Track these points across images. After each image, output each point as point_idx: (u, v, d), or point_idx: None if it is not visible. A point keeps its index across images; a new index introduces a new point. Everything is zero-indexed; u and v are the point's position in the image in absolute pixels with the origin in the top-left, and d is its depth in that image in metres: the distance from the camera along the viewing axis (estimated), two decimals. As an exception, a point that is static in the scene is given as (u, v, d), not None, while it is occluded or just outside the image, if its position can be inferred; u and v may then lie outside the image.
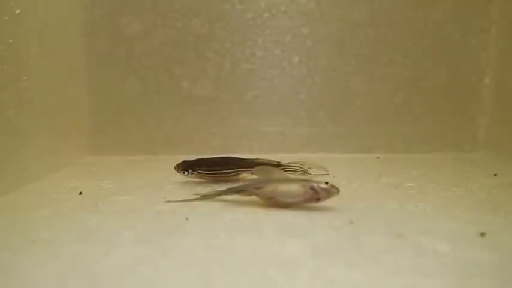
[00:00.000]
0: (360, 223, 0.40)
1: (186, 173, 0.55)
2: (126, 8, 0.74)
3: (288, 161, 0.58)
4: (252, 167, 0.54)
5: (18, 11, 0.53)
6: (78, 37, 0.73)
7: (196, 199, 0.48)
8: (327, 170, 0.59)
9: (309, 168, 0.58)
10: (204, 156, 0.59)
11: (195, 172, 0.55)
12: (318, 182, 0.43)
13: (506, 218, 0.42)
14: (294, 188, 0.44)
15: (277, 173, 0.50)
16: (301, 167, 0.57)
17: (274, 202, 0.45)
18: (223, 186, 0.52)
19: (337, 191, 0.43)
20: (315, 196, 0.43)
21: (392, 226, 0.39)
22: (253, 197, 0.46)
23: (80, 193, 0.51)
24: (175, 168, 0.55)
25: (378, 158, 0.74)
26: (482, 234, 0.37)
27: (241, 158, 0.57)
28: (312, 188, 0.43)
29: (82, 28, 0.73)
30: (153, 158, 0.76)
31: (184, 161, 0.56)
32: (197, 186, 0.55)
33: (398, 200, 0.48)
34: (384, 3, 0.74)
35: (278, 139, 0.78)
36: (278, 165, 0.56)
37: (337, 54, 0.75)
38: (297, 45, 0.75)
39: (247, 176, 0.57)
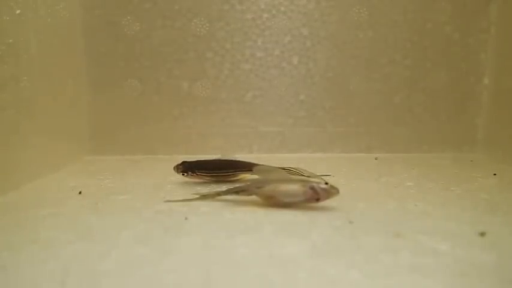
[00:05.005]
0: (359, 223, 0.40)
1: (185, 174, 0.55)
2: (126, 8, 0.74)
3: (287, 166, 0.57)
4: (252, 170, 0.54)
5: (18, 11, 0.53)
6: (78, 37, 0.73)
7: (195, 199, 0.48)
8: (324, 179, 0.57)
9: (308, 176, 0.58)
10: (204, 157, 0.59)
11: (194, 174, 0.55)
12: (317, 182, 0.43)
13: (506, 217, 0.42)
14: (294, 187, 0.44)
15: (277, 173, 0.50)
16: (301, 172, 0.57)
17: (274, 202, 0.45)
18: (223, 186, 0.52)
19: (337, 191, 0.43)
20: (314, 196, 0.43)
21: (391, 226, 0.39)
22: (253, 197, 0.46)
23: (80, 193, 0.52)
24: (174, 168, 0.55)
25: (376, 159, 0.74)
26: (482, 234, 0.37)
27: (240, 161, 0.57)
28: (312, 188, 0.43)
29: (82, 28, 0.73)
30: (153, 158, 0.76)
31: (183, 162, 0.56)
32: (197, 186, 0.55)
33: (398, 199, 0.48)
34: (383, 4, 0.74)
35: (278, 139, 0.78)
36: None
37: (337, 55, 0.75)
38: (297, 46, 0.75)
39: (246, 175, 0.57)
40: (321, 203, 0.44)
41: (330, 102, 0.77)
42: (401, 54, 0.75)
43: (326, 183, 0.43)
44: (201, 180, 0.56)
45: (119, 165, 0.70)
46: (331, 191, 0.43)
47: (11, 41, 0.52)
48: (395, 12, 0.74)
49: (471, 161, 0.72)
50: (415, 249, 0.34)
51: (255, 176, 0.51)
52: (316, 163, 0.70)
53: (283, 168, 0.55)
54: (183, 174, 0.55)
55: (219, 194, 0.48)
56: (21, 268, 0.31)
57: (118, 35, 0.74)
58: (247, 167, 0.55)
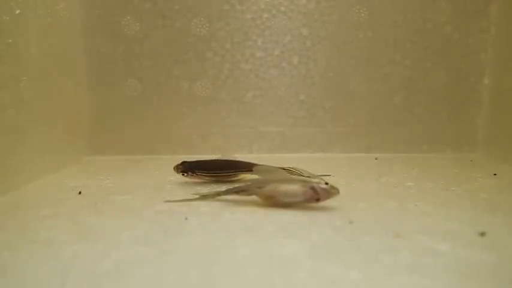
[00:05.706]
0: (359, 223, 0.40)
1: (185, 174, 0.55)
2: (126, 8, 0.74)
3: (287, 166, 0.57)
4: (252, 170, 0.53)
5: (18, 11, 0.53)
6: (78, 37, 0.73)
7: (195, 199, 0.48)
8: (324, 179, 0.57)
9: (308, 176, 0.57)
10: (204, 157, 0.59)
11: (194, 174, 0.55)
12: (317, 182, 0.43)
13: (506, 217, 0.42)
14: (294, 187, 0.44)
15: (277, 173, 0.50)
16: (301, 172, 0.57)
17: (274, 202, 0.45)
18: (223, 186, 0.52)
19: (337, 191, 0.43)
20: (314, 196, 0.43)
21: (391, 226, 0.39)
22: (253, 197, 0.46)
23: (80, 193, 0.51)
24: (174, 168, 0.55)
25: (376, 159, 0.74)
26: (482, 234, 0.37)
27: (240, 161, 0.57)
28: (312, 188, 0.43)
29: (82, 28, 0.73)
30: (153, 158, 0.76)
31: (183, 162, 0.56)
32: (197, 186, 0.55)
33: (398, 199, 0.48)
34: (383, 4, 0.74)
35: (278, 139, 0.78)
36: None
37: (337, 55, 0.75)
38: (297, 46, 0.75)
39: (246, 175, 0.57)
40: (321, 203, 0.44)
41: (330, 102, 0.77)
42: (401, 54, 0.75)
43: (326, 183, 0.43)
44: (201, 180, 0.56)
45: (119, 165, 0.71)
46: (331, 191, 0.43)
47: (11, 41, 0.52)
48: (395, 12, 0.74)
49: (471, 161, 0.72)
50: (415, 249, 0.34)
51: (255, 176, 0.51)
52: (316, 163, 0.71)
53: (283, 168, 0.55)
54: (183, 174, 0.55)
55: (219, 194, 0.48)
56: (21, 268, 0.31)
57: (118, 35, 0.74)
58: (247, 167, 0.55)
